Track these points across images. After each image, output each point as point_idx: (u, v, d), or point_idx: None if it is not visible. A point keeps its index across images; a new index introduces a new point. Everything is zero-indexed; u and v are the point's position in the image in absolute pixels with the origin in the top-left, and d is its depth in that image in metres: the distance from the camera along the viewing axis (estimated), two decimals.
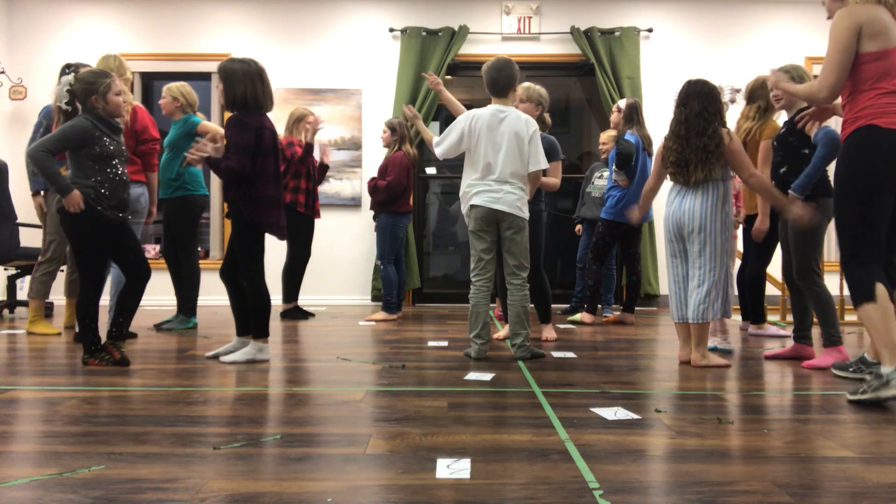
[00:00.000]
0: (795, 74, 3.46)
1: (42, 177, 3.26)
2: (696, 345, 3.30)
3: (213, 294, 5.27)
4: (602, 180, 5.67)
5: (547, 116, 4.35)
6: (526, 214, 3.45)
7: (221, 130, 4.26)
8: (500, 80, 3.48)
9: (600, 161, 5.82)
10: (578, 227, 5.88)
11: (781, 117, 4.06)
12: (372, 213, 5.43)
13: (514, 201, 3.39)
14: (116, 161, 3.34)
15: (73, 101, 3.33)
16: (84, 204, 3.21)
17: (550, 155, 3.85)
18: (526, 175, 3.47)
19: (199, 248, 5.61)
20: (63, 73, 4.57)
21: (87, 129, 3.23)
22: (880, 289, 2.58)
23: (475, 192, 3.44)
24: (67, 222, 3.26)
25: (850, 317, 5.06)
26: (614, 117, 5.13)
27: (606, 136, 5.71)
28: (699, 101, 3.28)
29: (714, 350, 3.61)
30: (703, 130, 3.24)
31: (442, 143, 3.53)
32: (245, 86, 3.26)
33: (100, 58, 4.27)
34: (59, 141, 3.21)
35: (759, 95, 4.19)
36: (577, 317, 5.12)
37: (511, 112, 3.47)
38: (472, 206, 3.44)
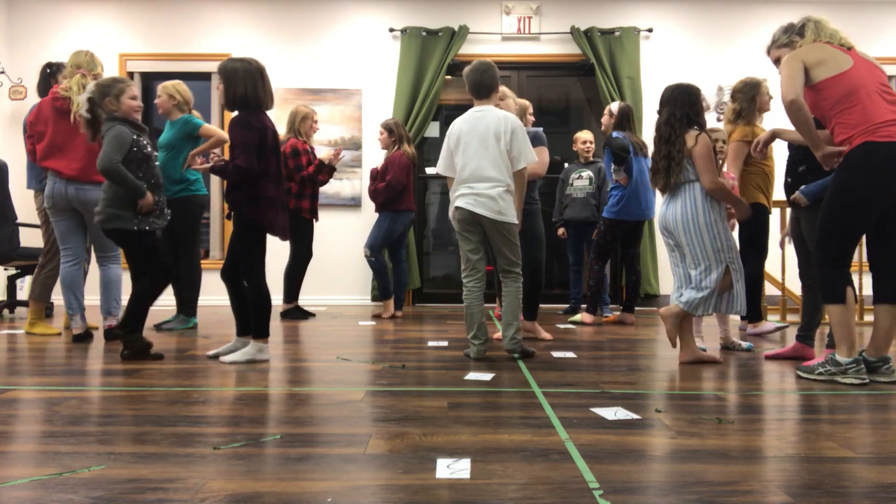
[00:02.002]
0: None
1: (123, 186, 3.32)
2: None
3: (213, 294, 5.28)
4: (581, 181, 5.69)
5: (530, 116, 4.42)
6: (508, 217, 3.39)
7: (224, 134, 4.25)
8: (484, 82, 3.48)
9: (575, 163, 5.84)
10: (561, 230, 5.88)
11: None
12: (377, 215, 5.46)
13: (493, 204, 3.36)
14: (152, 162, 3.45)
15: (92, 109, 3.40)
16: (145, 209, 3.39)
17: (534, 142, 3.84)
18: (511, 174, 3.43)
19: (200, 249, 5.61)
20: (44, 71, 4.57)
21: (125, 131, 3.36)
22: (849, 292, 2.91)
23: (458, 194, 3.45)
24: (128, 235, 3.39)
25: (868, 317, 5.02)
26: (605, 120, 5.14)
27: (589, 135, 5.76)
28: (668, 107, 3.34)
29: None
30: (668, 138, 3.29)
31: (440, 161, 3.58)
32: (246, 84, 3.27)
33: (71, 53, 4.21)
34: (117, 147, 3.33)
35: (737, 99, 4.18)
36: (578, 317, 5.13)
37: (489, 111, 3.45)
38: (456, 209, 3.46)
